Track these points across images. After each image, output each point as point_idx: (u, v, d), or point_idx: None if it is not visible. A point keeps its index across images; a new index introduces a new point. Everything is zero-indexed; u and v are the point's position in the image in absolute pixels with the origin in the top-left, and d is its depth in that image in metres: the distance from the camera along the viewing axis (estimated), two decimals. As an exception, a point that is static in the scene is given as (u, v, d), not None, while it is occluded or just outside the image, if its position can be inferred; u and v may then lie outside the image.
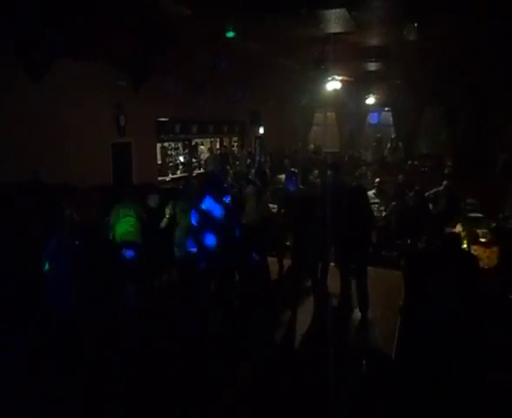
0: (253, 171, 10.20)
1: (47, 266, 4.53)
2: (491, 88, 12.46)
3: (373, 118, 18.51)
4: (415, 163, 15.31)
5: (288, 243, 7.30)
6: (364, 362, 4.71)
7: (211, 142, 14.76)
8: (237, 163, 14.24)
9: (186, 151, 13.22)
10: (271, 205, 7.38)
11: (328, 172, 7.01)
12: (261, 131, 16.49)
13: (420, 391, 3.85)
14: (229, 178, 10.38)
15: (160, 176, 11.54)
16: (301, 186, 7.37)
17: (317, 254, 6.06)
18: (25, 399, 4.26)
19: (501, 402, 3.66)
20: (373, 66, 12.02)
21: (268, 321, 5.87)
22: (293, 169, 8.40)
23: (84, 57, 8.00)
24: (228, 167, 12.67)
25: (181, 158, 13.21)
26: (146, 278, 6.21)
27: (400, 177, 10.18)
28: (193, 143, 13.48)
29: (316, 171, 10.06)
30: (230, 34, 8.10)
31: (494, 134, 13.44)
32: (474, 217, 8.50)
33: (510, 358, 4.09)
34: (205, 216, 5.26)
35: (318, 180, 9.09)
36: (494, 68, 10.91)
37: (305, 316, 6.04)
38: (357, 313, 5.96)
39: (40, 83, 7.30)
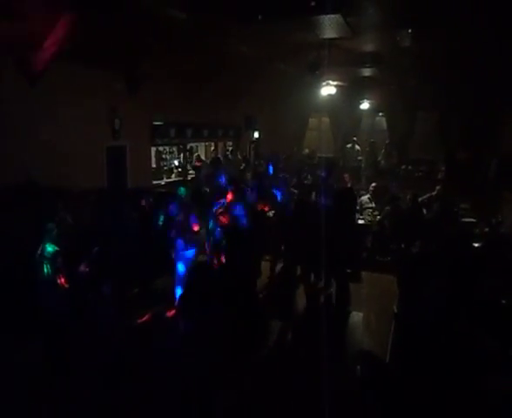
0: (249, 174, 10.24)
1: (42, 268, 4.51)
2: (484, 94, 12.56)
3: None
4: (409, 168, 15.41)
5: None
6: (359, 366, 4.71)
7: (205, 147, 14.78)
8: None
9: (181, 154, 13.22)
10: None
11: (322, 174, 7.03)
12: (256, 135, 16.52)
13: (414, 394, 3.86)
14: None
15: (155, 180, 11.53)
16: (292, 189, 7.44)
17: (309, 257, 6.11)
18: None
19: (495, 405, 3.67)
20: (367, 72, 12.07)
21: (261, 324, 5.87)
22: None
23: (80, 60, 7.98)
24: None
25: (176, 162, 13.20)
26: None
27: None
28: (188, 147, 13.48)
29: (309, 176, 10.12)
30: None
31: (487, 140, 13.54)
32: (468, 221, 8.57)
33: (504, 361, 4.11)
34: None
35: (309, 178, 9.11)
36: (486, 74, 11.00)
37: (298, 319, 6.06)
38: (353, 317, 5.98)
39: (35, 85, 7.26)
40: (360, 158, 15.98)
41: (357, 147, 15.72)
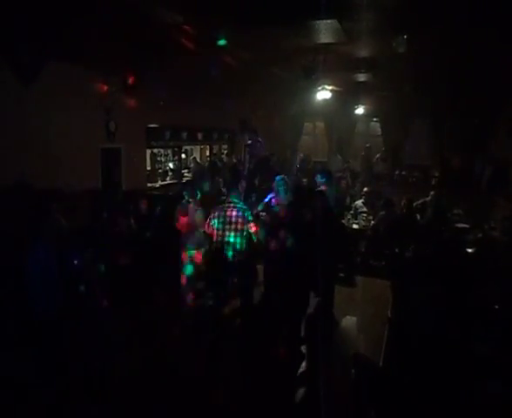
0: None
1: (34, 270, 4.48)
2: (478, 100, 12.66)
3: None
4: (403, 173, 15.50)
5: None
6: (353, 370, 4.72)
7: (200, 150, 14.80)
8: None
9: (176, 157, 13.21)
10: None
11: (318, 180, 6.98)
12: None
13: (408, 399, 3.87)
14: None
15: (149, 182, 11.51)
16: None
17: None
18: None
19: (488, 411, 3.69)
20: (362, 77, 12.13)
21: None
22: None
23: (75, 62, 7.96)
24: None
25: (171, 165, 13.20)
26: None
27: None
28: (183, 149, 13.48)
29: (305, 180, 10.14)
30: (221, 42, 8.14)
31: (480, 146, 13.64)
32: (461, 227, 8.61)
33: (497, 368, 4.13)
34: None
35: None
36: (481, 81, 11.09)
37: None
38: (347, 321, 5.98)
39: (29, 86, 7.22)
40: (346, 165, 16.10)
41: (338, 157, 15.87)
